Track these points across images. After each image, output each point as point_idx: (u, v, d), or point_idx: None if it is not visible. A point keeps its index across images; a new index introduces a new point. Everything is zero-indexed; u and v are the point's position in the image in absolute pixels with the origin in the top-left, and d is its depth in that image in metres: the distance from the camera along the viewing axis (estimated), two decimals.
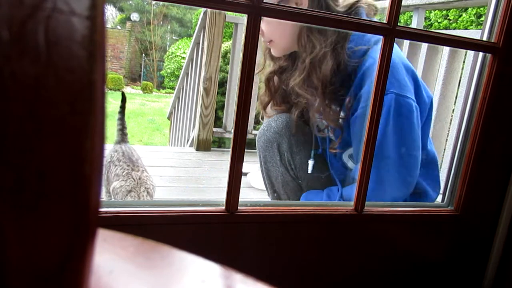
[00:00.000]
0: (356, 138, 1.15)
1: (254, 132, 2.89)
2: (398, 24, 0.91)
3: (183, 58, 9.65)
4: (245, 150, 0.87)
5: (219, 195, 1.98)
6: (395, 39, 0.92)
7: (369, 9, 1.15)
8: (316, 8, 1.11)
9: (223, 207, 0.88)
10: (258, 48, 0.83)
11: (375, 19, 1.16)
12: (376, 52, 1.10)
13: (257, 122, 2.84)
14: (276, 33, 1.18)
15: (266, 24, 1.18)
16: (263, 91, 1.32)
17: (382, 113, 1.08)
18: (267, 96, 1.30)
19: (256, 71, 1.35)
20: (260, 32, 1.20)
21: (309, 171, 1.25)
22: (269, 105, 1.32)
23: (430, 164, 1.25)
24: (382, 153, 1.10)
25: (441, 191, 1.28)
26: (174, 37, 12.86)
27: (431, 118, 1.24)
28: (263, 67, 1.31)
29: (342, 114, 1.18)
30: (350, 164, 1.24)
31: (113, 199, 1.46)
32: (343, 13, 1.11)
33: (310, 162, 1.24)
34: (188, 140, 3.12)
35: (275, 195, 1.33)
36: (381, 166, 1.11)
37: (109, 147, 1.63)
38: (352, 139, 1.17)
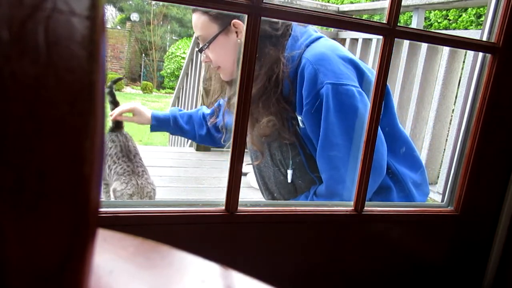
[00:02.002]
0: (313, 131, 1.18)
1: None
2: (398, 24, 0.91)
3: (183, 58, 9.65)
4: (245, 150, 0.87)
5: (219, 195, 1.99)
6: (395, 39, 0.92)
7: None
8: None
9: (223, 207, 0.88)
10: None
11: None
12: (307, 52, 1.16)
13: None
14: (221, 60, 1.25)
15: (212, 52, 1.24)
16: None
17: (322, 104, 1.12)
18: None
19: (216, 96, 1.41)
20: (207, 60, 1.27)
21: (289, 181, 1.27)
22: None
23: (402, 144, 1.26)
24: (331, 141, 1.14)
25: (441, 191, 1.28)
26: (174, 37, 12.85)
27: (391, 101, 1.26)
28: (221, 92, 1.40)
29: (299, 120, 1.21)
30: None
31: (112, 199, 1.46)
32: (280, 34, 1.19)
33: (289, 172, 1.27)
34: (188, 140, 3.12)
35: (270, 195, 1.33)
36: (332, 154, 1.15)
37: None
38: (309, 132, 1.19)
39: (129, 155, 1.51)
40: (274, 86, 1.18)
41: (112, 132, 1.57)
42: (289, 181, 1.26)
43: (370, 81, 1.20)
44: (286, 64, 1.17)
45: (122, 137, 1.55)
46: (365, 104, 1.14)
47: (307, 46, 1.18)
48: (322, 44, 1.20)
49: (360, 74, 1.18)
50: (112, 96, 1.65)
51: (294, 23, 1.22)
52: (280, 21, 1.20)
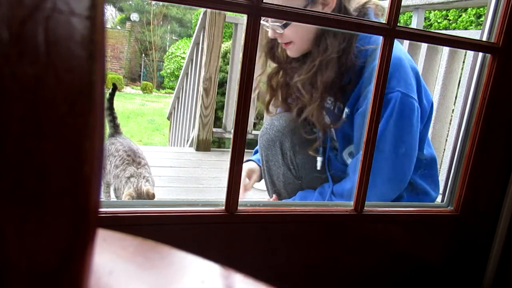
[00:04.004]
0: (358, 132, 1.17)
1: (254, 132, 2.89)
2: (398, 24, 0.91)
3: (183, 58, 9.65)
4: (245, 150, 0.87)
5: (219, 195, 1.99)
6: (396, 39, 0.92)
7: (376, 9, 1.19)
8: (336, 10, 1.15)
9: (223, 207, 0.88)
10: (258, 49, 0.83)
11: (382, 19, 1.17)
12: None
13: (260, 118, 2.87)
14: (297, 35, 1.19)
15: (289, 27, 1.18)
16: (265, 90, 1.34)
17: (387, 109, 1.11)
18: (269, 95, 1.32)
19: (258, 74, 1.36)
20: (276, 35, 1.21)
21: (318, 168, 1.25)
22: (271, 104, 1.34)
23: (429, 165, 1.26)
24: (378, 145, 1.14)
25: (441, 191, 1.28)
26: (174, 37, 12.85)
27: (431, 121, 1.27)
28: (265, 69, 1.32)
29: (345, 112, 1.20)
30: (349, 161, 1.25)
31: (113, 199, 1.46)
32: (354, 14, 1.15)
33: (319, 159, 1.25)
34: (188, 140, 3.12)
35: (276, 195, 1.33)
36: (374, 158, 1.14)
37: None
38: (354, 133, 1.19)
39: (131, 148, 1.50)
40: (340, 73, 1.15)
41: (112, 137, 1.58)
42: (318, 168, 1.25)
43: (421, 98, 1.18)
44: (358, 55, 1.15)
45: (121, 139, 1.56)
46: (417, 122, 1.15)
47: None
48: (398, 48, 1.16)
49: (419, 88, 1.17)
50: (110, 103, 1.67)
51: (370, 9, 1.17)
52: (361, 1, 1.16)
